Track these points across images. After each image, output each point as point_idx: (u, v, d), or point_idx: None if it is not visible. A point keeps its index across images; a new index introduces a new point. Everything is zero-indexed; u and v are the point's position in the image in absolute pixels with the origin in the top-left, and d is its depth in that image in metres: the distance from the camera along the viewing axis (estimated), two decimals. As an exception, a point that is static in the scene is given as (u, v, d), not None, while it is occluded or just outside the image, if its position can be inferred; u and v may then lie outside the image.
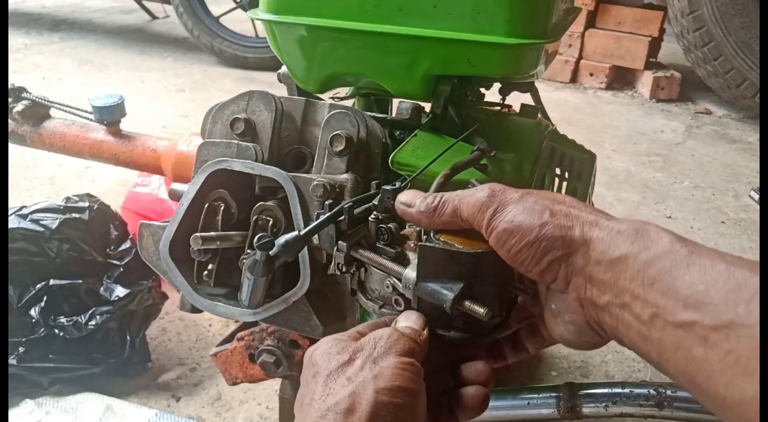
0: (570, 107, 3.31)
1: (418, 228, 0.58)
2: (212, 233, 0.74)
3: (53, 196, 2.00)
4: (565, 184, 0.87)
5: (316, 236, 0.66)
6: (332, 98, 0.94)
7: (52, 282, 1.23)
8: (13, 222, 1.24)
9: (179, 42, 4.12)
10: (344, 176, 0.72)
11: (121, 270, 1.30)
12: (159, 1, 4.11)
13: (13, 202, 1.67)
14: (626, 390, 0.81)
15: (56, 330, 1.21)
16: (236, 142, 0.76)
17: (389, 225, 0.55)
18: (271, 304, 0.74)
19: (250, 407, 1.26)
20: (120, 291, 1.26)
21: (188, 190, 0.75)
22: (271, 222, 0.74)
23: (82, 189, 1.84)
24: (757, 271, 0.38)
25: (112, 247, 1.34)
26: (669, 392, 0.78)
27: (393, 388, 0.43)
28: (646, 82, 3.55)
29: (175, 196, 0.80)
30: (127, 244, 1.34)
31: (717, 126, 3.19)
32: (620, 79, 3.76)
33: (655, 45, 3.58)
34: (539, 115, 0.91)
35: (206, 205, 0.75)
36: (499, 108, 0.93)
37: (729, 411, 0.37)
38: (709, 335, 0.37)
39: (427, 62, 0.74)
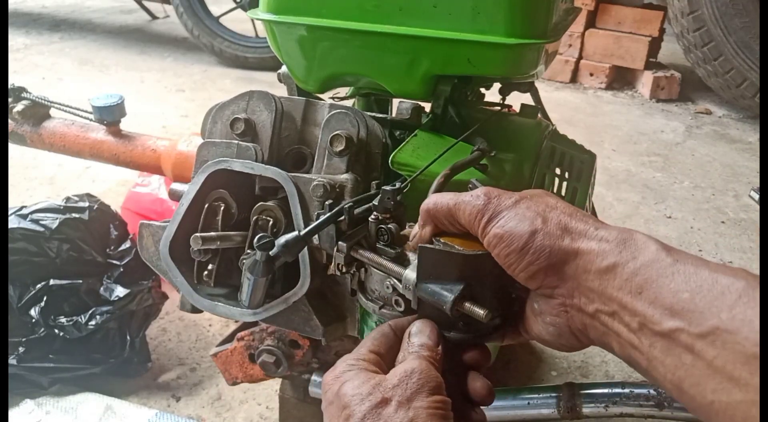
0: (570, 107, 3.31)
1: (418, 229, 0.58)
2: (212, 233, 0.74)
3: (53, 196, 2.00)
4: (565, 183, 0.87)
5: (316, 236, 0.66)
6: (332, 98, 0.94)
7: (52, 282, 1.23)
8: (13, 222, 1.24)
9: (179, 42, 4.12)
10: (344, 176, 0.72)
11: (121, 270, 1.30)
12: (159, 1, 4.12)
13: (13, 202, 1.67)
14: (626, 390, 0.81)
15: (56, 330, 1.21)
16: (236, 142, 0.76)
17: (389, 225, 0.55)
18: (271, 304, 0.74)
19: (250, 407, 1.26)
20: (120, 291, 1.26)
21: (188, 190, 0.75)
22: (271, 223, 0.74)
23: (82, 189, 1.84)
24: (741, 276, 0.38)
25: (112, 247, 1.34)
26: (665, 390, 0.77)
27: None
28: (646, 82, 3.55)
29: (175, 196, 0.80)
30: (127, 244, 1.34)
31: (717, 126, 3.19)
32: (620, 79, 3.77)
33: (655, 45, 3.58)
34: (539, 115, 0.91)
35: (206, 205, 0.75)
36: (499, 108, 0.93)
37: (716, 416, 0.37)
38: (695, 342, 0.37)
39: (427, 62, 0.74)
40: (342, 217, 0.58)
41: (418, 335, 0.50)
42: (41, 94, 1.13)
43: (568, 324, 0.47)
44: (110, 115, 1.07)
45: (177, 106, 2.97)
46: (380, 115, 0.86)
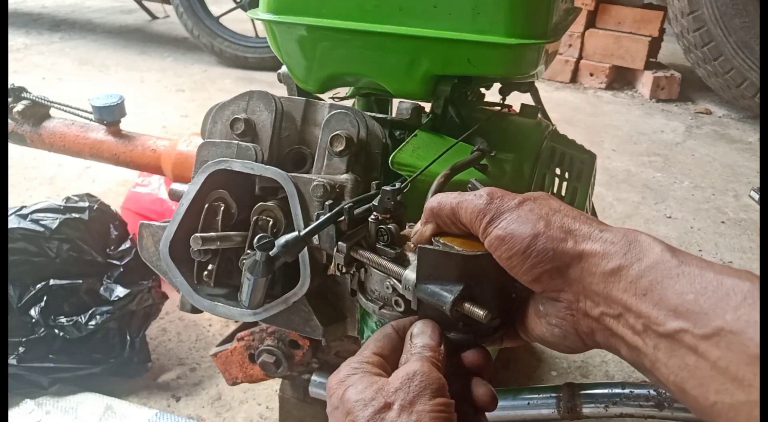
0: (570, 107, 3.31)
1: (418, 229, 0.58)
2: (212, 233, 0.74)
3: (53, 196, 2.00)
4: (565, 184, 0.87)
5: (316, 236, 0.66)
6: (332, 98, 0.94)
7: (52, 282, 1.23)
8: (13, 222, 1.24)
9: (179, 42, 4.12)
10: (344, 176, 0.72)
11: (121, 270, 1.30)
12: (159, 1, 4.12)
13: (13, 202, 1.67)
14: (626, 391, 0.81)
15: (56, 330, 1.21)
16: (236, 142, 0.76)
17: (389, 225, 0.55)
18: (271, 305, 0.74)
19: (250, 407, 1.26)
20: (120, 291, 1.26)
21: (188, 190, 0.75)
22: (271, 223, 0.74)
23: (82, 189, 1.84)
24: (745, 278, 0.38)
25: (112, 247, 1.34)
26: (669, 392, 0.77)
27: None
28: (646, 82, 3.55)
29: (175, 196, 0.80)
30: (127, 244, 1.34)
31: (717, 126, 3.19)
32: (620, 79, 3.77)
33: (655, 45, 3.58)
34: (539, 115, 0.91)
35: (206, 205, 0.75)
36: (499, 108, 0.93)
37: (718, 417, 0.37)
38: (699, 343, 0.37)
39: (427, 62, 0.74)
40: (342, 217, 0.58)
41: (420, 336, 0.50)
42: (41, 94, 1.13)
43: (575, 326, 0.46)
44: (110, 115, 1.07)
45: (177, 106, 2.97)
46: (380, 115, 0.86)
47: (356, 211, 0.59)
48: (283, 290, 0.75)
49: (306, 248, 0.69)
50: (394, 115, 0.90)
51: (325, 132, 0.74)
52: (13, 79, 1.16)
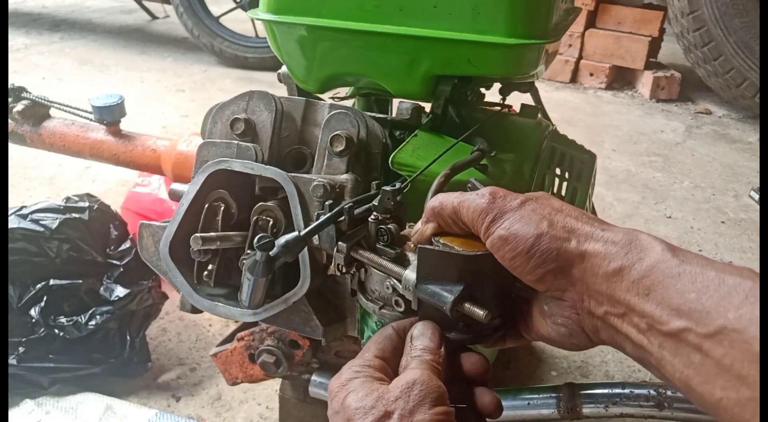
0: (570, 107, 3.31)
1: (418, 229, 0.58)
2: (212, 233, 0.74)
3: (53, 196, 2.00)
4: (565, 184, 0.87)
5: (317, 236, 0.66)
6: (332, 98, 0.94)
7: (52, 282, 1.23)
8: (13, 222, 1.24)
9: (179, 42, 4.12)
10: (344, 176, 0.72)
11: (121, 270, 1.30)
12: (159, 1, 4.12)
13: (13, 202, 1.67)
14: (626, 391, 0.81)
15: (56, 330, 1.21)
16: (236, 142, 0.76)
17: (389, 225, 0.55)
18: (271, 305, 0.74)
19: (250, 407, 1.26)
20: (120, 291, 1.26)
21: (188, 190, 0.75)
22: (271, 223, 0.74)
23: (82, 189, 1.84)
24: (747, 276, 0.39)
25: (112, 247, 1.34)
26: (669, 392, 0.77)
27: None
28: (646, 82, 3.55)
29: (175, 196, 0.80)
30: (127, 244, 1.34)
31: (717, 126, 3.19)
32: (620, 79, 3.77)
33: (655, 45, 3.58)
34: (539, 115, 0.91)
35: (206, 205, 0.75)
36: (499, 108, 0.93)
37: (724, 413, 0.38)
38: (703, 342, 0.38)
39: (428, 62, 0.74)
40: (342, 217, 0.58)
41: (420, 338, 0.50)
42: (41, 94, 1.13)
43: (580, 325, 0.47)
44: (110, 115, 1.07)
45: (177, 106, 2.97)
46: (380, 115, 0.86)
47: (356, 211, 0.59)
48: (283, 290, 0.75)
49: (306, 248, 0.69)
50: (394, 115, 0.90)
51: (325, 132, 0.74)
52: (13, 79, 1.15)
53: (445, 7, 0.71)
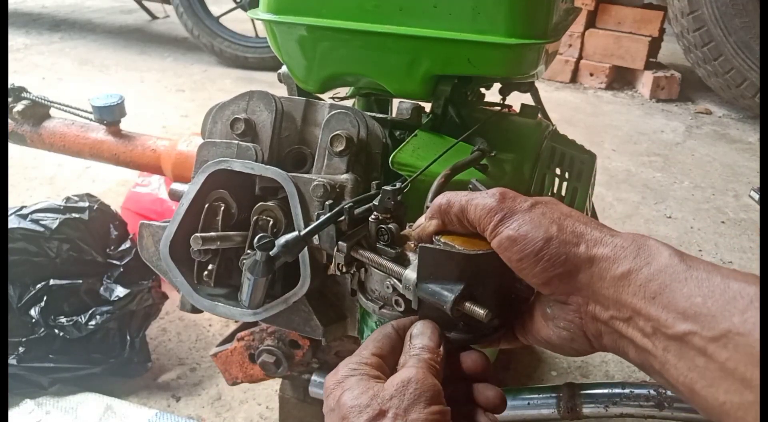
0: (570, 107, 3.31)
1: (418, 229, 0.58)
2: (212, 233, 0.74)
3: (53, 196, 2.00)
4: (565, 184, 0.87)
5: (317, 236, 0.66)
6: (332, 98, 0.94)
7: (52, 282, 1.23)
8: (13, 222, 1.24)
9: (179, 42, 4.12)
10: (344, 176, 0.72)
11: (121, 270, 1.30)
12: (159, 1, 4.12)
13: (13, 202, 1.67)
14: (626, 391, 0.81)
15: (56, 330, 1.21)
16: (236, 142, 0.76)
17: (389, 225, 0.55)
18: (272, 305, 0.74)
19: (250, 407, 1.26)
20: (120, 291, 1.26)
21: (188, 190, 0.75)
22: (271, 223, 0.74)
23: (82, 189, 1.84)
24: (752, 282, 0.39)
25: (112, 247, 1.34)
26: (669, 392, 0.77)
27: None
28: (646, 82, 3.55)
29: (175, 196, 0.80)
30: (127, 244, 1.34)
31: (717, 126, 3.19)
32: (620, 79, 3.77)
33: (655, 45, 3.58)
34: (539, 115, 0.91)
35: (206, 205, 0.75)
36: (499, 108, 0.93)
37: (727, 416, 0.38)
38: (708, 345, 0.38)
39: (428, 62, 0.74)
40: (342, 217, 0.58)
41: (420, 337, 0.50)
42: (41, 94, 1.13)
43: (583, 329, 0.47)
44: (110, 115, 1.07)
45: (177, 106, 2.97)
46: (380, 115, 0.86)
47: (356, 211, 0.59)
48: (283, 290, 0.75)
49: (306, 248, 0.69)
50: (394, 115, 0.90)
51: (325, 132, 0.74)
52: (13, 79, 1.15)
53: (445, 7, 0.71)
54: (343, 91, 0.97)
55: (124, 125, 1.11)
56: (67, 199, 1.36)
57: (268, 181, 0.74)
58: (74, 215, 1.30)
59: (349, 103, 0.93)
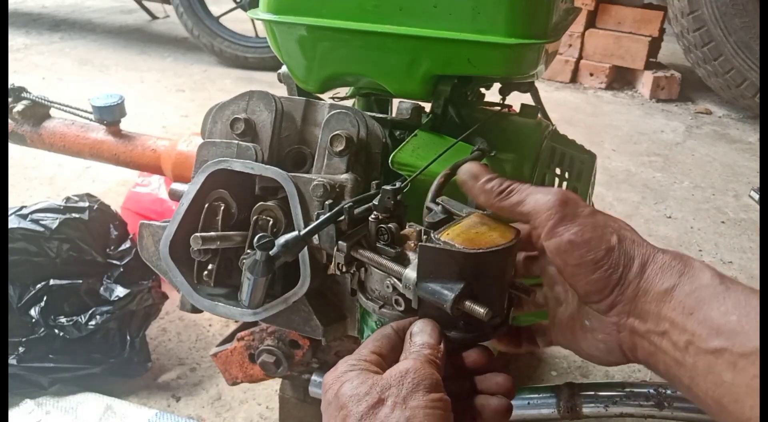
0: (570, 107, 3.31)
1: (418, 228, 0.58)
2: (212, 233, 0.74)
3: (53, 196, 2.00)
4: (565, 184, 0.87)
5: (316, 236, 0.66)
6: (332, 98, 0.94)
7: (52, 282, 1.23)
8: (13, 222, 1.24)
9: (179, 42, 4.12)
10: (344, 176, 0.72)
11: (121, 270, 1.30)
12: (159, 1, 4.12)
13: (13, 202, 1.67)
14: (626, 390, 0.81)
15: (56, 330, 1.21)
16: (236, 142, 0.76)
17: (389, 225, 0.55)
18: (271, 304, 0.74)
19: (250, 407, 1.26)
20: (120, 291, 1.26)
21: (188, 190, 0.75)
22: (271, 222, 0.74)
23: (82, 189, 1.84)
24: None
25: (112, 247, 1.34)
26: (669, 392, 0.77)
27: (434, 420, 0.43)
28: (646, 82, 3.55)
29: (175, 196, 0.80)
30: (127, 244, 1.34)
31: (717, 126, 3.19)
32: (620, 79, 3.76)
33: (655, 45, 3.58)
34: (539, 115, 0.91)
35: (206, 205, 0.75)
36: (499, 108, 0.93)
37: None
38: (738, 361, 0.39)
39: (427, 62, 0.74)
40: (342, 217, 0.58)
41: (420, 334, 0.50)
42: (41, 94, 1.13)
43: (619, 342, 0.47)
44: (110, 115, 1.07)
45: (177, 106, 2.97)
46: (380, 115, 0.86)
47: (356, 211, 0.59)
48: (283, 290, 0.75)
49: (306, 248, 0.69)
50: (394, 115, 0.90)
51: (325, 132, 0.74)
52: (13, 79, 1.15)
53: (445, 7, 0.71)
54: (343, 91, 0.97)
55: (124, 125, 1.12)
56: (67, 199, 1.36)
57: (268, 180, 0.74)
58: (74, 215, 1.30)
59: (349, 103, 0.93)
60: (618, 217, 0.50)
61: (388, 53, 0.75)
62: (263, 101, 0.77)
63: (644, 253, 0.46)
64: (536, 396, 0.85)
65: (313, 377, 0.95)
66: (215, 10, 3.64)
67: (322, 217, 0.58)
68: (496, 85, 0.94)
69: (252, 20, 3.00)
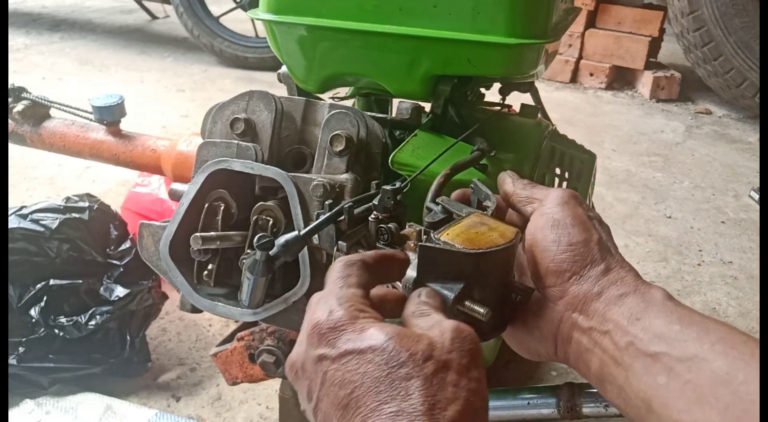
0: (570, 107, 3.31)
1: (418, 228, 0.58)
2: (212, 233, 0.74)
3: (53, 196, 2.00)
4: (565, 184, 0.87)
5: (316, 236, 0.66)
6: (332, 98, 0.94)
7: (52, 282, 1.23)
8: (13, 222, 1.24)
9: (179, 42, 4.12)
10: (344, 176, 0.72)
11: (121, 270, 1.30)
12: (159, 1, 4.12)
13: (13, 202, 1.67)
14: (626, 390, 0.81)
15: (56, 330, 1.21)
16: (236, 142, 0.76)
17: (389, 225, 0.55)
18: (271, 304, 0.74)
19: (250, 407, 1.26)
20: (120, 291, 1.26)
21: (188, 190, 0.75)
22: (271, 222, 0.74)
23: (82, 189, 1.84)
24: (733, 329, 0.42)
25: (112, 247, 1.34)
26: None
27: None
28: (646, 82, 3.55)
29: (175, 196, 0.80)
30: (127, 244, 1.34)
31: (717, 126, 3.19)
32: (620, 79, 3.76)
33: (655, 45, 3.58)
34: (539, 115, 0.91)
35: (206, 205, 0.75)
36: (499, 108, 0.93)
37: None
38: (675, 365, 0.41)
39: (427, 62, 0.74)
40: (342, 217, 0.58)
41: (434, 296, 0.46)
42: (41, 94, 1.13)
43: (556, 334, 0.49)
44: (110, 115, 1.07)
45: (177, 106, 2.97)
46: (380, 115, 0.86)
47: (356, 211, 0.59)
48: (283, 289, 0.75)
49: (306, 247, 0.69)
50: (394, 115, 0.90)
51: (325, 132, 0.74)
52: (13, 79, 1.15)
53: (445, 7, 0.71)
54: (343, 91, 0.97)
55: (124, 125, 1.12)
56: (67, 199, 1.36)
57: (267, 180, 0.74)
58: (74, 215, 1.30)
59: (349, 103, 0.93)
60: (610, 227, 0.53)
61: (388, 53, 0.75)
62: (263, 101, 0.77)
63: (612, 263, 0.48)
64: (536, 396, 0.85)
65: (313, 377, 0.95)
66: (215, 10, 3.64)
67: (322, 217, 0.58)
68: (496, 85, 0.94)
69: (252, 20, 3.00)
